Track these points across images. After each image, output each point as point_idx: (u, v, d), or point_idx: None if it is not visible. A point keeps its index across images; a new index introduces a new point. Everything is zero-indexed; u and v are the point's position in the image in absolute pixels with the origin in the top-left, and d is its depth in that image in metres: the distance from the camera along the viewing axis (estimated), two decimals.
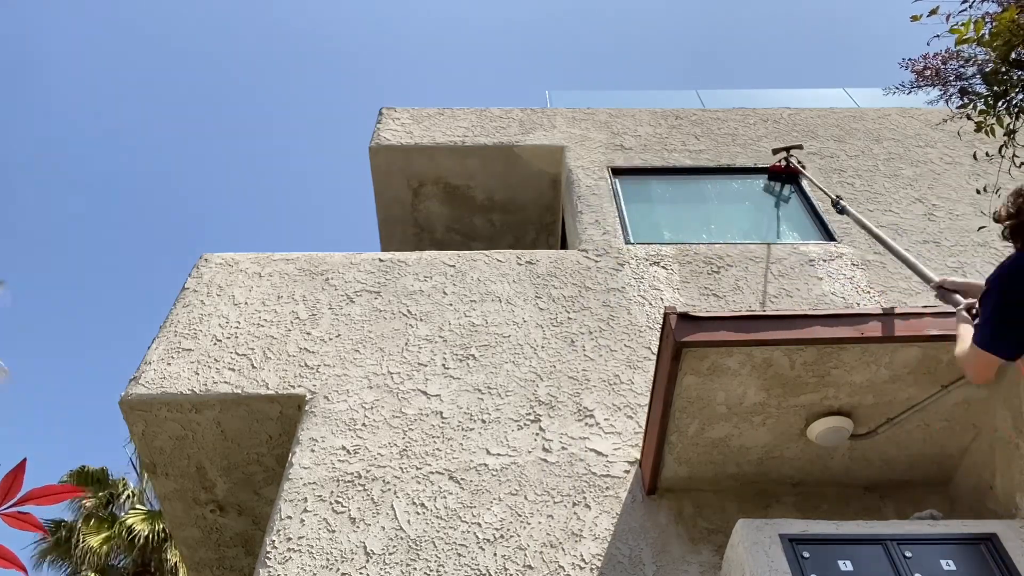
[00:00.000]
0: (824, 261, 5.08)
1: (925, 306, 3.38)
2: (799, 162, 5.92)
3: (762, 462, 3.50)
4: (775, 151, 6.09)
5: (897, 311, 3.12)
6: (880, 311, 3.12)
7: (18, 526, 1.56)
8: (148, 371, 4.23)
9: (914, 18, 3.61)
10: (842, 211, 4.77)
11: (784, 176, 5.98)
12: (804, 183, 5.93)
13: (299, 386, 4.14)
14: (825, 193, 5.23)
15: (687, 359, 3.07)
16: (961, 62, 3.84)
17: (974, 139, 4.79)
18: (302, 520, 3.47)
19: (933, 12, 3.54)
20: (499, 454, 3.74)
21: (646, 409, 3.70)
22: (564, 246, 6.66)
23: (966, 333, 2.43)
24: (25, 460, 1.58)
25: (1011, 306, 2.21)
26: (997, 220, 2.34)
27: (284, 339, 4.45)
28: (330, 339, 4.45)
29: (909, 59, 4.01)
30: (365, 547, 3.35)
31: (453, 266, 5.00)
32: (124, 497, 13.78)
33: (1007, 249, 5.46)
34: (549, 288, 4.81)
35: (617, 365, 4.23)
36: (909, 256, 3.65)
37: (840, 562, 2.74)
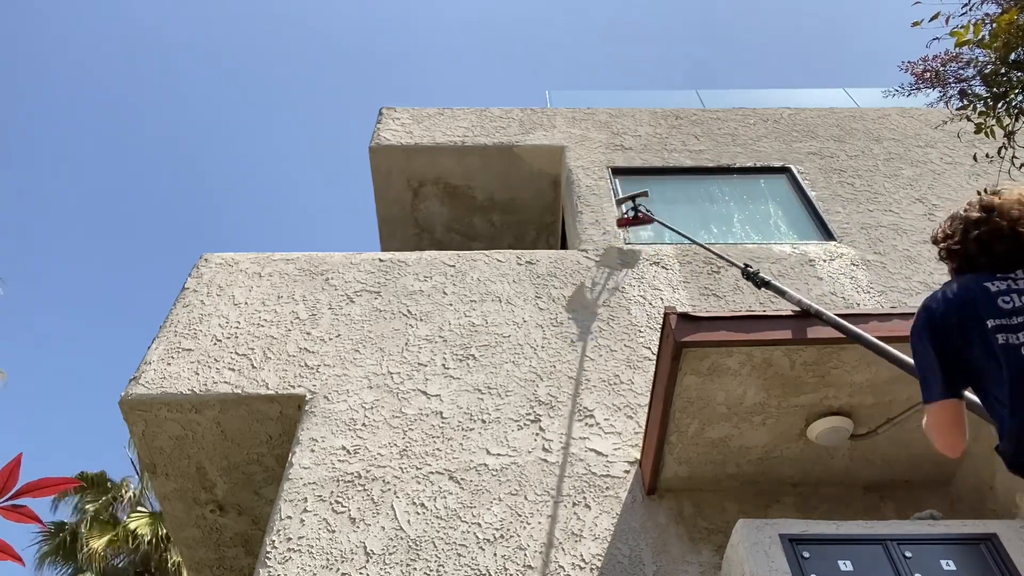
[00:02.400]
0: (824, 261, 5.09)
1: None
2: (647, 210, 5.34)
3: (762, 462, 3.50)
4: (619, 201, 5.49)
5: (897, 311, 3.12)
6: (880, 311, 3.13)
7: (15, 519, 1.57)
8: (148, 371, 4.23)
9: (915, 24, 3.61)
10: (760, 284, 3.77)
11: (635, 225, 5.39)
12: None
13: (299, 386, 4.14)
14: (723, 259, 4.35)
15: (687, 359, 3.08)
16: (961, 64, 3.84)
17: (974, 140, 4.80)
18: (302, 520, 3.47)
19: (935, 17, 3.55)
20: (499, 454, 3.74)
21: (646, 409, 3.70)
22: (564, 246, 6.66)
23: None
24: (21, 455, 1.59)
25: (947, 354, 1.81)
26: (934, 242, 2.01)
27: (284, 339, 4.45)
28: (330, 339, 4.45)
29: (909, 61, 4.01)
30: (365, 547, 3.35)
31: (453, 266, 5.01)
32: (127, 499, 13.79)
33: None
34: (549, 288, 4.81)
35: (617, 365, 4.23)
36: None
37: (840, 562, 2.74)
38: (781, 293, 3.44)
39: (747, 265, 3.90)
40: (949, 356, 1.82)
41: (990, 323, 1.75)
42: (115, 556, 13.09)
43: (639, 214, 5.33)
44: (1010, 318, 1.74)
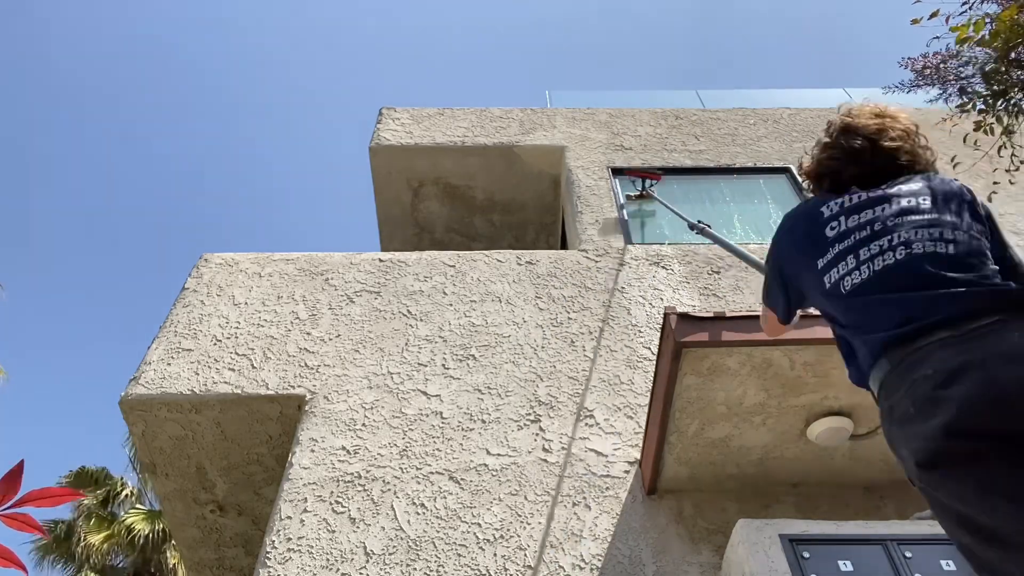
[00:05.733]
0: None
1: None
2: (652, 185, 5.91)
3: (762, 462, 3.50)
4: (629, 171, 6.07)
5: None
6: None
7: (17, 527, 1.56)
8: (148, 371, 4.23)
9: (914, 21, 3.61)
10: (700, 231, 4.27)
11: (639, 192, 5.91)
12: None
13: (299, 386, 4.14)
14: (681, 217, 4.73)
15: (687, 359, 3.07)
16: (961, 61, 3.83)
17: (974, 138, 4.79)
18: (302, 520, 3.47)
19: (934, 15, 3.55)
20: (499, 454, 3.74)
21: (646, 409, 3.70)
22: (564, 246, 6.66)
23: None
24: (23, 462, 1.58)
25: (778, 266, 1.97)
26: (802, 174, 2.05)
27: (284, 339, 4.45)
28: (330, 339, 4.45)
29: (909, 58, 4.02)
30: (365, 547, 3.35)
31: (453, 266, 5.00)
32: (123, 496, 13.78)
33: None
34: (549, 288, 4.81)
35: (617, 365, 4.23)
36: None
37: (840, 562, 2.74)
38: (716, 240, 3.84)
39: (699, 221, 4.29)
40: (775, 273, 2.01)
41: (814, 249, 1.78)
42: (113, 553, 13.08)
43: (644, 191, 5.86)
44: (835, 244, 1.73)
